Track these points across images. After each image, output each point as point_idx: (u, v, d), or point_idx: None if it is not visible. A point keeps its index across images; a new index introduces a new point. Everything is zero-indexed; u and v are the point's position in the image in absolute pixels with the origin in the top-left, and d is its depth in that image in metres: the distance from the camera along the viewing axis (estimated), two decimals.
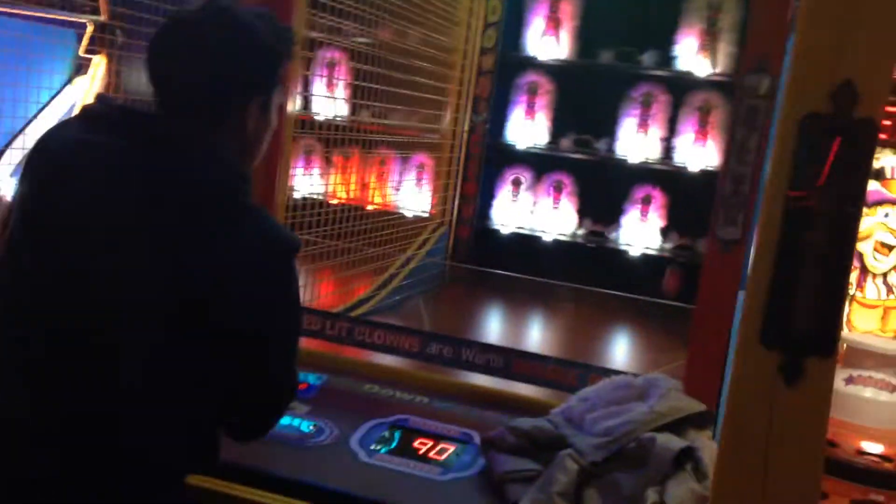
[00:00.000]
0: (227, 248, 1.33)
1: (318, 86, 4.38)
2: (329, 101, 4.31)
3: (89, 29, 3.67)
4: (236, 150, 1.45)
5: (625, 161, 4.38)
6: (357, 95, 3.68)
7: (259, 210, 1.43)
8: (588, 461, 1.71)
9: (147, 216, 1.32)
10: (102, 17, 3.60)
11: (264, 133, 1.51)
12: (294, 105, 2.68)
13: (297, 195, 3.48)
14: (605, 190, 4.49)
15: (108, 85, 3.69)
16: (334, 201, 3.84)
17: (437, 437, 2.00)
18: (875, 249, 3.30)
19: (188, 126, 1.39)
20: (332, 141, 4.01)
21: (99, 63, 3.72)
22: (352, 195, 4.28)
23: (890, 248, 3.28)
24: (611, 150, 4.44)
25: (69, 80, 3.92)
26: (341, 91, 4.33)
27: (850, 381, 2.77)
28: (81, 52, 3.73)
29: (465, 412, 2.20)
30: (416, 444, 1.96)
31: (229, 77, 1.41)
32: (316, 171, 4.38)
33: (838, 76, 1.12)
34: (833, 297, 1.12)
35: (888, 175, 3.26)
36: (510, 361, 2.33)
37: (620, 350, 3.64)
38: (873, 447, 2.51)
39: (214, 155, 1.38)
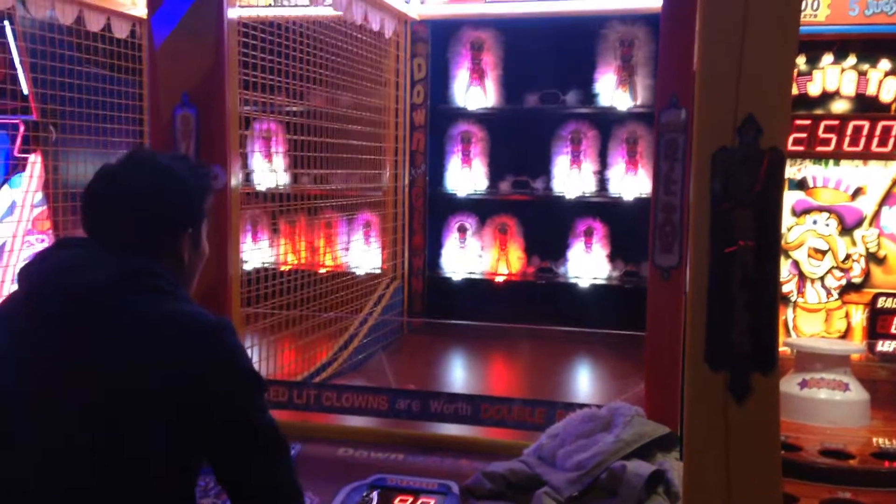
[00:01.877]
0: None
1: (257, 157, 4.43)
2: (269, 171, 4.37)
3: (21, 129, 3.68)
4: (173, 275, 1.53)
5: (563, 197, 4.50)
6: (296, 163, 3.75)
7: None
8: (565, 497, 1.76)
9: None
10: (33, 116, 3.62)
11: (199, 261, 1.62)
12: (237, 180, 2.72)
13: (247, 267, 3.51)
14: (548, 227, 4.59)
15: (47, 181, 3.69)
16: (286, 268, 3.87)
17: (417, 492, 2.04)
18: (809, 256, 3.46)
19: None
20: (276, 210, 4.06)
21: (35, 161, 3.72)
22: (302, 261, 4.31)
23: (823, 252, 3.44)
24: (548, 188, 4.56)
25: (6, 180, 3.91)
26: (280, 161, 4.39)
27: (803, 384, 2.86)
28: (16, 152, 3.73)
29: (440, 463, 2.23)
30: (396, 502, 1.99)
31: (158, 217, 1.52)
32: (264, 241, 4.41)
33: (741, 112, 1.22)
34: (765, 313, 1.21)
35: (811, 184, 3.43)
36: (478, 408, 2.38)
37: (582, 382, 3.71)
38: (835, 446, 2.59)
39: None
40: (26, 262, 1.53)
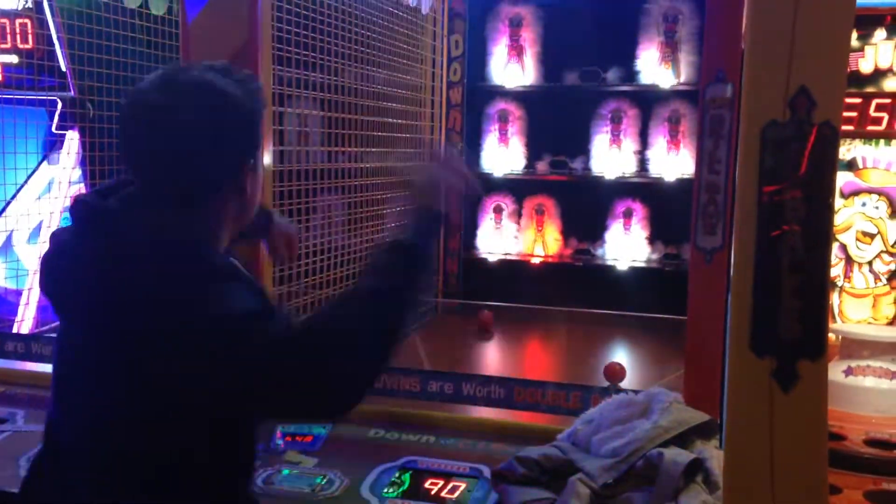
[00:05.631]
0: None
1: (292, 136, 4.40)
2: (303, 150, 4.34)
3: (59, 105, 3.70)
4: (234, 210, 1.40)
5: (602, 177, 4.42)
6: (331, 142, 3.71)
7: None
8: (599, 484, 1.72)
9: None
10: (72, 93, 3.63)
11: (258, 188, 1.47)
12: (270, 158, 2.71)
13: None
14: (586, 208, 4.52)
15: (84, 158, 3.71)
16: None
17: (448, 476, 2.01)
18: (857, 239, 3.34)
19: (162, 215, 1.32)
20: (311, 189, 4.03)
21: (73, 137, 3.75)
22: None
23: (871, 236, 3.32)
24: (587, 168, 4.48)
25: (44, 158, 3.95)
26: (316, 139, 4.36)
27: (849, 372, 2.77)
28: (54, 129, 3.76)
29: (472, 447, 2.20)
30: (427, 484, 1.97)
31: (214, 153, 1.33)
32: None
33: (793, 84, 1.15)
34: (815, 299, 1.15)
35: (860, 165, 3.31)
36: (511, 391, 2.34)
37: None
38: (880, 436, 2.51)
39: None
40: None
